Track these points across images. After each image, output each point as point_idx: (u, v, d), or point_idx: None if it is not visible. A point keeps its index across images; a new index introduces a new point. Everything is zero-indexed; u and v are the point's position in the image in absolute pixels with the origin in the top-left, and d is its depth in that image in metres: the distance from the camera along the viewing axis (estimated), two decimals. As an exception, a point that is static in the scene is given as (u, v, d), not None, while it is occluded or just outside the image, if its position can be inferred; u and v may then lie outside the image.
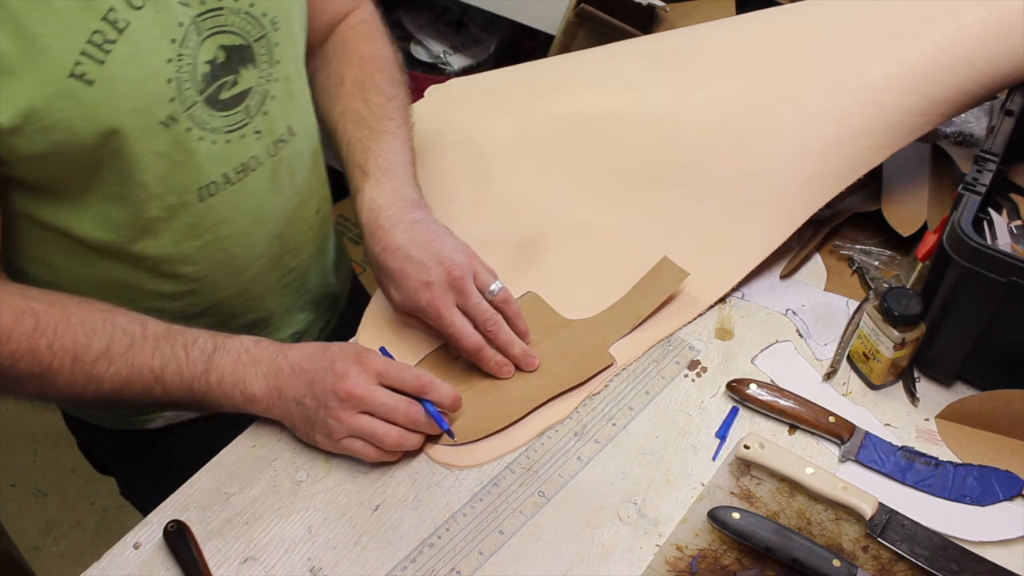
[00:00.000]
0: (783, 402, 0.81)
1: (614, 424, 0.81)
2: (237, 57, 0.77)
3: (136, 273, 0.82)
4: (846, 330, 0.89)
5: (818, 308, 0.92)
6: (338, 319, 1.08)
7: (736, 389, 0.82)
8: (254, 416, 0.79)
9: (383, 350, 0.82)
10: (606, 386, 0.84)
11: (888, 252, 0.97)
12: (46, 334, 0.70)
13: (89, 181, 0.74)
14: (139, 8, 0.69)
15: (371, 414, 0.74)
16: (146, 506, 0.75)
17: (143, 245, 0.80)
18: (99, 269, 0.81)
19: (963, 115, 1.09)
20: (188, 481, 0.76)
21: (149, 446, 0.97)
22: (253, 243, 0.87)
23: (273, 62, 0.81)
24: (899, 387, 0.85)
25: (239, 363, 0.75)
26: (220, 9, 0.75)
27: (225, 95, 0.77)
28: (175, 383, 0.74)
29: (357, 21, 0.98)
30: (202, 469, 0.77)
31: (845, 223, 1.01)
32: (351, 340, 0.88)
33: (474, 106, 1.08)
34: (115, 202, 0.76)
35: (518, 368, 0.83)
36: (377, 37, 0.98)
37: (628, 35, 1.32)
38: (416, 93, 1.04)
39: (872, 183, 1.01)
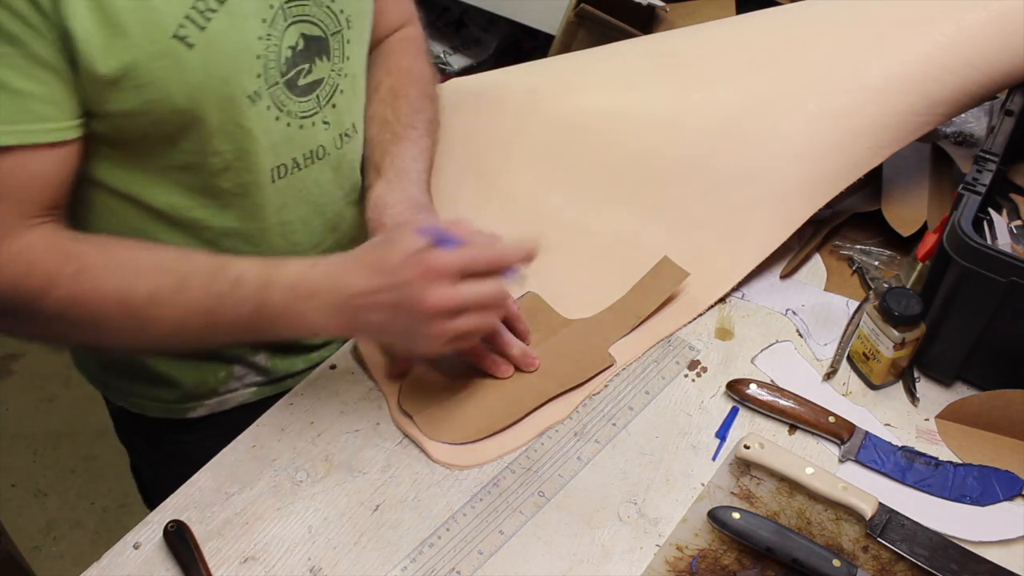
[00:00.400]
0: (783, 402, 0.81)
1: (614, 424, 0.81)
2: (315, 47, 0.80)
3: (197, 246, 0.83)
4: (846, 330, 0.89)
5: (818, 308, 0.92)
6: None
7: (736, 389, 0.82)
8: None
9: (432, 230, 0.74)
10: (606, 386, 0.84)
11: (888, 252, 0.97)
12: (88, 278, 0.70)
13: (170, 144, 0.76)
14: None
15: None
16: None
17: (209, 213, 0.81)
18: (161, 241, 0.81)
19: (963, 115, 1.09)
20: (188, 481, 0.76)
21: (185, 435, 0.97)
22: (311, 232, 0.89)
23: (344, 58, 0.83)
24: (899, 387, 0.85)
25: (295, 297, 0.72)
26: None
27: (302, 81, 0.80)
28: (229, 323, 0.73)
29: (404, 37, 1.00)
30: (202, 469, 0.77)
31: (845, 223, 1.01)
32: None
33: (474, 106, 1.08)
34: (190, 170, 0.78)
35: (518, 369, 0.83)
36: (419, 54, 1.00)
37: (628, 35, 1.33)
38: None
39: (872, 183, 1.01)
